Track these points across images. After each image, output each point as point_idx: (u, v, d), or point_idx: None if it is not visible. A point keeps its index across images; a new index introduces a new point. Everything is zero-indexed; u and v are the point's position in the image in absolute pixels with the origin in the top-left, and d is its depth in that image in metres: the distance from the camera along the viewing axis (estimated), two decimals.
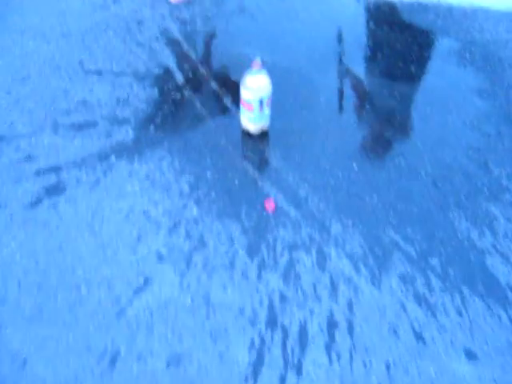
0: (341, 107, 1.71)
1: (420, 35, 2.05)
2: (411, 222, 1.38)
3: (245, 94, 1.47)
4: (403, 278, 1.26)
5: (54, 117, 1.61)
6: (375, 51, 1.96)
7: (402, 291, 1.23)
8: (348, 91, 1.78)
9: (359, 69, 1.88)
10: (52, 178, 1.43)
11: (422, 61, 1.92)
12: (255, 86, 1.46)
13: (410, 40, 2.03)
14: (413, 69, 1.89)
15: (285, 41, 1.98)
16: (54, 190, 1.40)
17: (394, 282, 1.25)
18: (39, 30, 1.97)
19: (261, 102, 1.47)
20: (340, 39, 2.00)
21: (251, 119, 1.52)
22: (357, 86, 1.80)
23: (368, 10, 2.21)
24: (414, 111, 1.71)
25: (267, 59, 1.85)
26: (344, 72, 1.85)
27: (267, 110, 1.52)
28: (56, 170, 1.46)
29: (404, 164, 1.53)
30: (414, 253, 1.31)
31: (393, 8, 2.21)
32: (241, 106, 1.53)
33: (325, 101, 1.73)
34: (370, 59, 1.92)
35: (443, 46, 2.01)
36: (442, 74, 1.87)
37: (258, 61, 1.43)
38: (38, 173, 1.45)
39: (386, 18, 2.15)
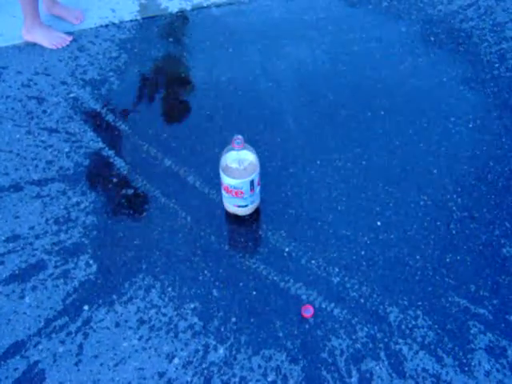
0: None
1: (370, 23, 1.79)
2: (469, 275, 1.17)
3: (229, 180, 1.15)
4: (492, 352, 1.05)
5: None
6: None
7: (497, 369, 1.03)
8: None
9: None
10: (18, 365, 1.05)
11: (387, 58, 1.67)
12: (241, 168, 1.14)
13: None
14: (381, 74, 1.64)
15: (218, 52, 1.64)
16: (29, 383, 1.03)
17: (484, 359, 1.04)
18: None
19: (251, 183, 1.16)
20: None
21: (242, 205, 1.21)
22: None
23: None
24: (410, 129, 1.46)
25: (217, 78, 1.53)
26: None
27: (258, 188, 1.21)
28: (17, 349, 1.07)
29: (430, 204, 1.29)
30: (488, 314, 1.11)
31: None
32: (223, 192, 1.20)
33: (306, 137, 1.44)
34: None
35: (401, 31, 1.75)
36: (416, 70, 1.62)
37: (239, 138, 1.11)
38: None
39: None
